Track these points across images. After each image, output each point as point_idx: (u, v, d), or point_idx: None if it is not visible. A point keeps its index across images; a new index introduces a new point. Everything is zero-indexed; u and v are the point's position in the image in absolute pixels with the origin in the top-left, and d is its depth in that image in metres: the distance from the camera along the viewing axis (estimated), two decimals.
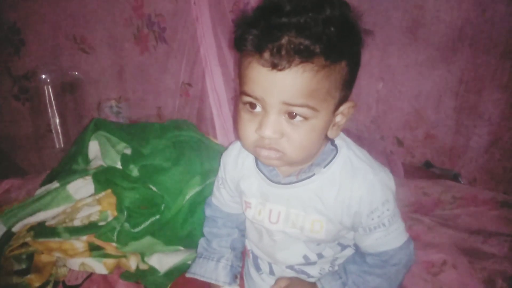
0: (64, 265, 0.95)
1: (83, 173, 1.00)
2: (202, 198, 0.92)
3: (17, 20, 1.32)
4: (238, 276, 0.82)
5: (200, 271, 0.80)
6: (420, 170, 1.39)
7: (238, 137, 0.64)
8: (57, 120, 1.43)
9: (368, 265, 0.69)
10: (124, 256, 0.93)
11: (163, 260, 0.94)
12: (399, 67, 1.43)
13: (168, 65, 1.48)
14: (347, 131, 1.76)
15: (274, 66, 0.52)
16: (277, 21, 0.52)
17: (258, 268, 0.79)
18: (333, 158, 0.65)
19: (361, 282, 0.69)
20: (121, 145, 1.04)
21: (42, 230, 0.92)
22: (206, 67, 1.44)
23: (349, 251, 0.74)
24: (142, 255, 0.95)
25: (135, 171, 0.97)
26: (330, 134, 0.62)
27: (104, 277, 0.94)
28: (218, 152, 0.87)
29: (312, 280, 0.74)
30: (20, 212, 0.94)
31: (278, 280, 0.74)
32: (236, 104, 0.63)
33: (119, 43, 1.45)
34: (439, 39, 1.28)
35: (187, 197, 0.92)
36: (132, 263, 0.94)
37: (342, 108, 0.61)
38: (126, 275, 0.94)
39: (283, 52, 0.52)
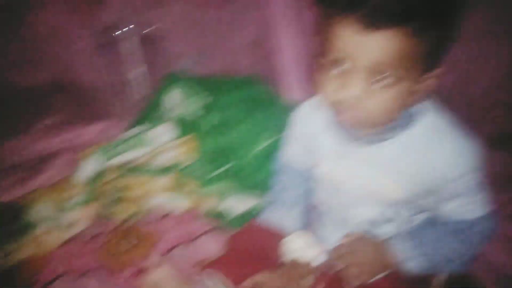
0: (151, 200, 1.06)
1: (165, 119, 1.08)
2: (273, 150, 0.96)
3: None
4: (307, 226, 0.84)
5: (273, 216, 0.83)
6: None
7: (319, 95, 0.64)
8: (141, 71, 1.52)
9: (447, 231, 0.69)
10: (204, 195, 1.02)
11: (240, 203, 1.01)
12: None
13: (242, 19, 1.49)
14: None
15: (368, 26, 0.52)
16: None
17: (323, 224, 0.82)
18: (419, 120, 0.65)
19: (436, 247, 0.69)
20: (204, 93, 1.10)
21: (131, 167, 1.03)
22: (279, 21, 1.45)
23: (427, 214, 0.74)
24: (221, 197, 1.03)
25: (214, 120, 1.03)
26: (416, 98, 0.61)
27: (186, 213, 1.03)
28: (290, 108, 0.89)
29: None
30: (112, 149, 1.05)
31: (347, 234, 0.73)
32: (317, 62, 0.61)
33: None
34: None
35: (261, 147, 0.97)
36: (211, 203, 1.02)
37: (430, 75, 0.60)
38: (207, 212, 1.02)
39: (379, 13, 0.51)
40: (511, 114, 1.32)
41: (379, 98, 0.57)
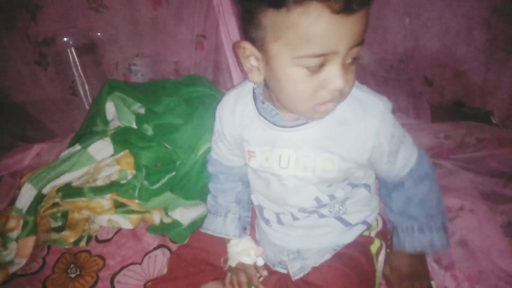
0: (94, 222, 1.02)
1: (102, 134, 1.03)
2: None
3: None
4: (248, 227, 0.84)
5: (211, 226, 0.83)
6: (449, 111, 1.31)
7: (287, 102, 0.61)
8: (81, 82, 1.46)
9: (409, 190, 0.73)
10: (148, 212, 0.98)
11: (185, 214, 0.98)
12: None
13: (181, 18, 1.44)
14: (373, 75, 1.67)
15: (349, 9, 0.49)
16: None
17: (266, 220, 0.80)
18: None
19: (422, 212, 0.73)
20: (136, 105, 1.05)
21: (69, 191, 0.98)
22: (220, 17, 1.40)
23: (359, 191, 0.75)
24: (166, 210, 1.00)
25: (149, 130, 0.99)
26: None
27: (132, 231, 1.01)
28: None
29: (324, 220, 0.75)
30: (47, 175, 1.00)
31: None
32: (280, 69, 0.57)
33: (131, 0, 1.42)
34: None
35: (200, 152, 0.93)
36: (156, 217, 0.99)
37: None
38: (152, 228, 1.00)
39: None
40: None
41: (352, 77, 0.57)
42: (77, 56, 1.48)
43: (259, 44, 0.57)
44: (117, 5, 1.42)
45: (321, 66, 0.54)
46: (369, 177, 0.77)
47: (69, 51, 1.50)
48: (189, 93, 1.07)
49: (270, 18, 0.53)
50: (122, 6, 1.42)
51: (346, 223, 0.76)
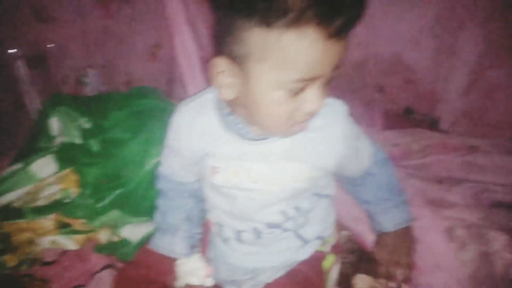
0: (38, 244, 0.97)
1: (46, 151, 0.99)
2: None
3: None
4: (198, 245, 0.81)
5: (158, 243, 0.80)
6: (400, 118, 1.34)
7: (264, 123, 0.60)
8: (28, 96, 1.40)
9: (378, 175, 0.78)
10: (93, 231, 0.94)
11: (135, 231, 0.95)
12: (377, 8, 1.34)
13: (133, 28, 1.41)
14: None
15: (341, 33, 0.50)
16: None
17: (224, 239, 0.78)
18: None
19: (392, 191, 0.79)
20: (82, 119, 1.01)
21: (8, 212, 0.93)
22: (175, 26, 1.38)
23: (322, 201, 0.75)
24: (114, 228, 0.96)
25: (95, 146, 0.95)
26: None
27: (78, 252, 0.96)
28: None
29: (285, 236, 0.74)
30: None
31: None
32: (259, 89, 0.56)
33: (80, 10, 1.38)
34: None
35: (147, 168, 0.91)
36: (103, 236, 0.95)
37: None
38: (99, 247, 0.95)
39: (348, 20, 0.49)
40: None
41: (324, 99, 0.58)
42: (25, 68, 1.42)
43: (238, 61, 0.54)
44: (67, 15, 1.37)
45: (302, 88, 0.54)
46: (331, 186, 0.78)
47: (17, 63, 1.44)
48: (138, 106, 1.04)
49: (257, 37, 0.50)
50: (72, 16, 1.38)
51: (304, 239, 0.76)
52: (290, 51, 0.50)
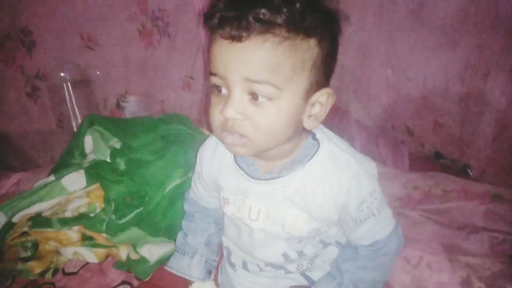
0: (62, 254, 1.01)
1: (78, 167, 1.05)
2: (183, 190, 0.93)
3: (28, 22, 1.40)
4: (213, 271, 0.82)
5: (176, 265, 0.80)
6: (428, 161, 1.32)
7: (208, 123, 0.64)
8: (70, 116, 1.50)
9: (362, 258, 0.68)
10: (115, 246, 0.97)
11: (153, 250, 0.97)
12: (405, 52, 1.37)
13: (171, 59, 1.50)
14: (357, 122, 1.70)
15: (233, 37, 0.51)
16: None
17: (231, 264, 0.79)
18: (315, 153, 0.63)
19: (357, 279, 0.68)
20: (113, 139, 1.08)
21: (38, 221, 0.98)
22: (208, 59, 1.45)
23: (331, 249, 0.73)
24: (134, 246, 0.99)
25: (122, 165, 1.00)
26: (306, 125, 0.60)
27: (99, 265, 1.00)
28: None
29: (290, 275, 0.73)
30: (20, 203, 1.00)
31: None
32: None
33: (124, 39, 1.49)
34: (443, 21, 1.20)
35: (167, 189, 0.94)
36: (123, 253, 0.98)
37: (317, 96, 0.57)
38: (118, 264, 0.98)
39: (243, 22, 0.50)
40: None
41: (259, 117, 0.55)
42: (71, 90, 1.53)
43: None
44: (111, 43, 1.49)
45: (223, 91, 0.56)
46: (342, 235, 0.73)
47: (64, 86, 1.55)
48: (166, 131, 1.10)
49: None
50: (116, 45, 1.49)
51: (310, 281, 0.75)
52: (210, 48, 0.56)
